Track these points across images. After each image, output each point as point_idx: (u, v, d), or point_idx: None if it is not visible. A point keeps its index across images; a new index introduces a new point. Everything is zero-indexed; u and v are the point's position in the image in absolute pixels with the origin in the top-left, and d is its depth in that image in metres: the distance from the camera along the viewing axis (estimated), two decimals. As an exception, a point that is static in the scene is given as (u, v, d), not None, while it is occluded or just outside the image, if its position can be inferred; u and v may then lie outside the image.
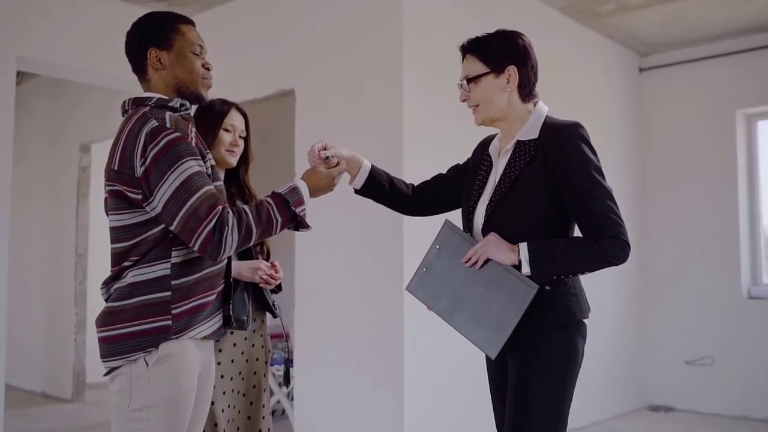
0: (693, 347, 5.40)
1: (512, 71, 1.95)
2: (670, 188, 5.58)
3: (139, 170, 1.72)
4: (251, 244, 1.78)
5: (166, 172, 1.70)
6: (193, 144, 1.77)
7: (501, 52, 1.95)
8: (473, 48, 1.99)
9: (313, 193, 1.92)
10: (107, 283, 1.83)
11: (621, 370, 5.31)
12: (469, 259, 1.90)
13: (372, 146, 3.79)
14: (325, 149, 2.02)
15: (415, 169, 3.64)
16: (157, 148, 1.71)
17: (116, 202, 1.79)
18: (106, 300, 1.83)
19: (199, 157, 1.77)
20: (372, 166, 2.15)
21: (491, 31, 2.01)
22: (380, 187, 2.15)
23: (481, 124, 2.04)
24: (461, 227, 2.03)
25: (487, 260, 1.88)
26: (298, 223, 1.87)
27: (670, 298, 5.52)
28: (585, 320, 1.94)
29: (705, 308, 5.37)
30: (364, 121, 3.88)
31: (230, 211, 1.73)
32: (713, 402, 5.28)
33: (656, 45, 5.55)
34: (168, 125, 1.74)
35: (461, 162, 2.22)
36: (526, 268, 1.83)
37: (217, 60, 4.39)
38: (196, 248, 1.71)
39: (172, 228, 1.73)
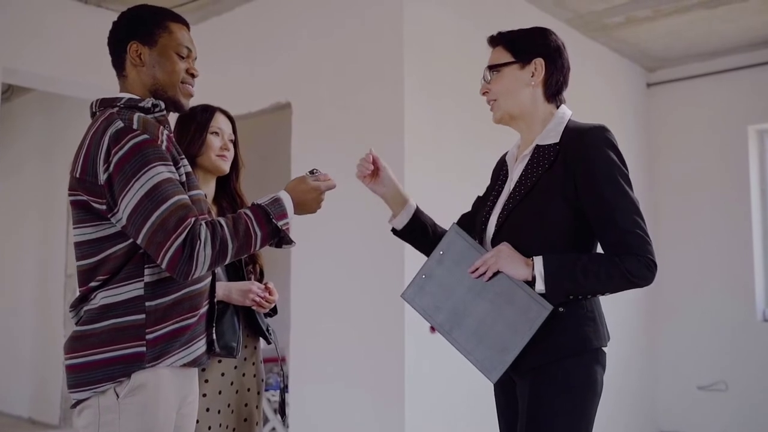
0: (706, 372, 5.21)
1: (539, 64, 1.79)
2: (679, 208, 5.42)
3: (102, 177, 1.55)
4: (227, 261, 1.59)
5: (131, 179, 1.52)
6: (164, 147, 1.59)
7: (530, 44, 1.81)
8: (502, 38, 1.85)
9: (298, 207, 1.71)
10: (75, 306, 1.65)
11: (630, 395, 5.11)
12: (477, 269, 1.72)
13: None
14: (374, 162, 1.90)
15: (418, 183, 3.52)
16: (121, 152, 1.53)
17: (79, 214, 1.62)
18: (76, 323, 1.65)
19: (170, 163, 1.59)
20: (417, 206, 1.97)
21: None
22: (422, 232, 1.96)
23: (499, 121, 1.87)
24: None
25: (497, 272, 1.70)
26: (280, 239, 1.67)
27: (682, 321, 5.34)
28: (604, 348, 1.75)
29: (718, 331, 5.18)
30: (364, 134, 3.76)
31: (203, 223, 1.54)
32: (727, 429, 5.08)
33: (664, 59, 5.43)
34: (135, 126, 1.57)
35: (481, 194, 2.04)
36: (540, 285, 1.65)
37: (211, 72, 4.29)
38: (164, 265, 1.52)
39: (138, 242, 1.55)
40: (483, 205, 1.90)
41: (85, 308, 1.61)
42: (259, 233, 1.61)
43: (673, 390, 5.35)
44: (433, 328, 1.89)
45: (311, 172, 1.77)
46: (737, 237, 5.16)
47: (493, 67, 1.83)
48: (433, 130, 3.72)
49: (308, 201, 1.74)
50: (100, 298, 1.57)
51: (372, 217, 3.74)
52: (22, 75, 4.37)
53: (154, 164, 1.54)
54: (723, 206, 5.24)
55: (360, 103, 3.80)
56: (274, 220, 1.63)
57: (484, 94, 1.86)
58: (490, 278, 1.71)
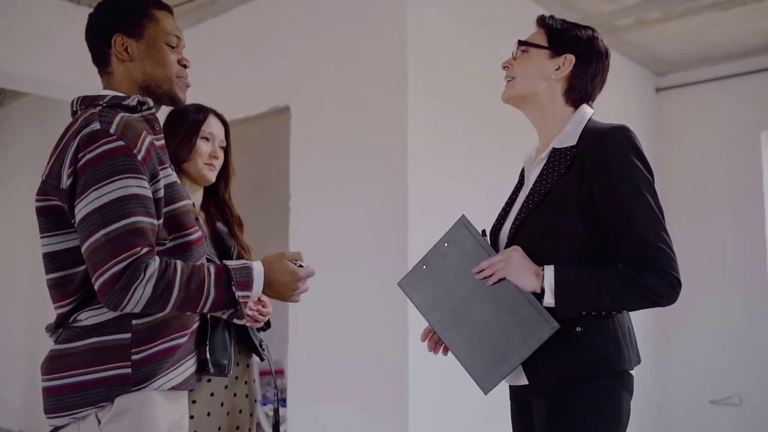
0: (718, 385, 5.05)
1: (569, 60, 1.66)
2: (690, 215, 5.29)
3: (66, 182, 1.41)
4: (167, 310, 1.41)
5: (90, 187, 1.38)
6: (141, 158, 1.44)
7: (570, 38, 1.68)
8: (547, 23, 1.72)
9: (268, 285, 1.50)
10: (52, 330, 1.53)
11: (638, 409, 4.92)
12: (482, 270, 1.58)
13: (375, 164, 3.58)
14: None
15: (421, 186, 3.42)
16: (89, 156, 1.39)
17: (45, 221, 1.49)
18: (55, 342, 1.53)
19: (144, 177, 1.43)
20: None
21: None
22: None
23: (507, 101, 1.74)
24: None
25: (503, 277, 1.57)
26: (234, 311, 1.49)
27: (693, 332, 5.20)
28: (631, 371, 1.61)
29: (731, 343, 5.03)
30: (366, 137, 3.65)
31: (157, 259, 1.39)
32: (741, 445, 4.92)
33: (674, 63, 5.31)
34: (113, 130, 1.42)
35: None
36: (549, 299, 1.52)
37: (208, 75, 4.17)
38: (96, 288, 1.38)
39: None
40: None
41: (66, 325, 1.49)
42: (212, 294, 1.44)
43: (685, 404, 5.19)
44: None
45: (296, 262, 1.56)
46: (750, 245, 5.02)
47: (522, 43, 1.71)
48: (436, 132, 3.62)
49: (282, 282, 1.52)
50: (85, 318, 1.45)
51: (372, 224, 3.64)
52: (17, 79, 4.26)
53: (122, 176, 1.39)
54: (735, 214, 5.10)
55: (361, 106, 3.69)
56: (233, 288, 1.45)
57: (504, 68, 1.74)
58: (495, 283, 1.58)
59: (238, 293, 1.45)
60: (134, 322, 1.44)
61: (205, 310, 1.46)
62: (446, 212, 3.59)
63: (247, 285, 1.47)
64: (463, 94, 3.71)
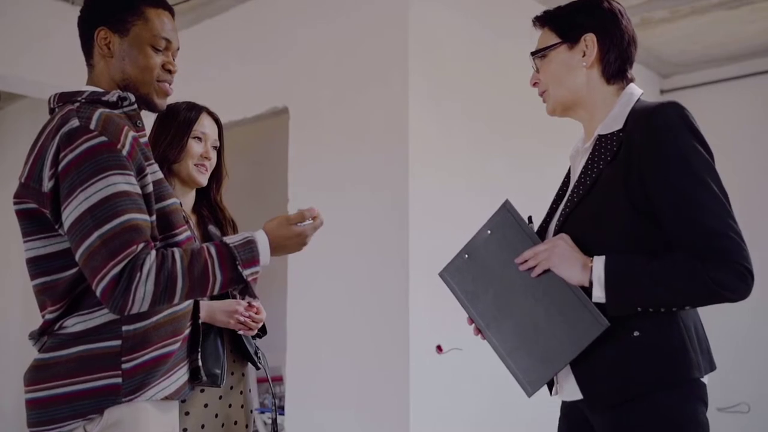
0: (726, 393, 4.91)
1: (590, 41, 1.53)
2: (696, 219, 5.24)
3: (47, 185, 1.35)
4: (176, 301, 1.37)
5: (76, 188, 1.32)
6: (126, 153, 1.37)
7: (577, 18, 1.55)
8: (547, 18, 1.60)
9: (276, 251, 1.47)
10: (36, 338, 1.45)
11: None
12: (526, 261, 1.46)
13: (375, 166, 3.53)
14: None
15: (423, 192, 3.37)
16: (71, 156, 1.33)
17: (27, 225, 1.42)
18: (39, 350, 1.46)
19: (130, 173, 1.37)
20: None
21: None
22: None
23: (552, 113, 1.62)
24: None
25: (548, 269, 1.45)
26: (245, 287, 1.43)
27: (699, 338, 5.14)
28: (703, 380, 1.44)
29: (739, 349, 4.95)
30: (366, 139, 3.60)
31: (152, 252, 1.33)
32: (749, 453, 4.83)
33: (679, 65, 5.25)
34: (93, 126, 1.35)
35: None
36: (599, 293, 1.38)
37: (204, 76, 4.10)
38: (98, 295, 1.32)
39: (77, 262, 1.35)
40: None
41: (51, 333, 1.42)
42: (219, 278, 1.38)
43: (691, 411, 5.13)
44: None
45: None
46: (757, 248, 4.88)
47: (537, 53, 1.59)
48: (438, 135, 3.56)
49: (288, 246, 1.50)
50: (72, 324, 1.39)
51: (373, 228, 3.58)
52: (12, 81, 4.21)
53: (108, 173, 1.33)
54: (741, 216, 4.97)
55: (362, 107, 3.63)
56: (239, 267, 1.39)
57: (534, 85, 1.62)
58: (540, 275, 1.45)
59: (246, 272, 1.39)
60: (124, 328, 1.38)
61: (216, 293, 1.41)
62: (448, 215, 3.56)
63: (254, 261, 1.41)
64: (465, 95, 3.66)
